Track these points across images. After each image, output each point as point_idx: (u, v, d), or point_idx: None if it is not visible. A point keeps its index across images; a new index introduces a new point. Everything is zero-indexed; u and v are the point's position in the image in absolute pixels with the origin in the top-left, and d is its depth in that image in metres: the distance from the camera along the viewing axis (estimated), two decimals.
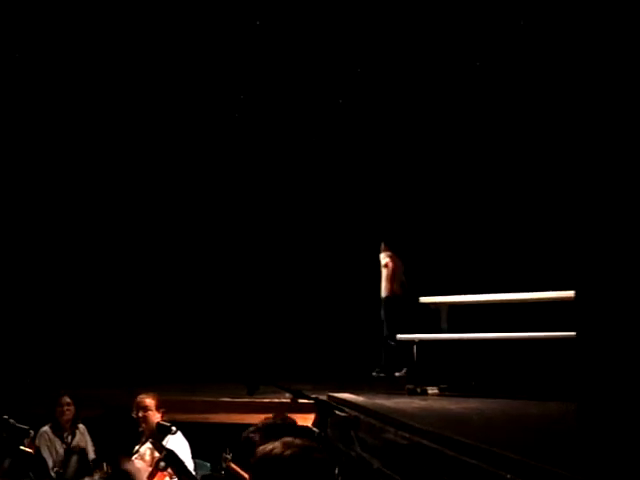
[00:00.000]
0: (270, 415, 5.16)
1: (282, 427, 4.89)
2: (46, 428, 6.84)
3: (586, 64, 4.84)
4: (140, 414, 6.20)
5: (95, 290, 12.49)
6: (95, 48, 12.05)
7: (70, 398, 6.98)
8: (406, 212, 12.13)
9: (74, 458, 6.59)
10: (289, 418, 5.13)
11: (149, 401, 6.29)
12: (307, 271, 12.63)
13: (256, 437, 4.84)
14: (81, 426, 6.98)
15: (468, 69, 11.72)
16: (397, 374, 10.08)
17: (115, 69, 12.27)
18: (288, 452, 2.70)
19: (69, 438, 6.85)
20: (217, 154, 12.91)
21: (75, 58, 12.09)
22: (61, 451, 6.76)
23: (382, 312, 10.55)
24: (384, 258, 10.63)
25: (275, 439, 3.56)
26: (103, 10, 11.82)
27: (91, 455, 6.88)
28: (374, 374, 10.40)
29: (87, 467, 6.17)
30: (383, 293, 10.61)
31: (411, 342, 9.02)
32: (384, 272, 10.57)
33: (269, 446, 2.79)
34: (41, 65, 12.04)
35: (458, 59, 11.74)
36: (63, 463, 6.51)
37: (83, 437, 6.93)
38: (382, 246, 10.78)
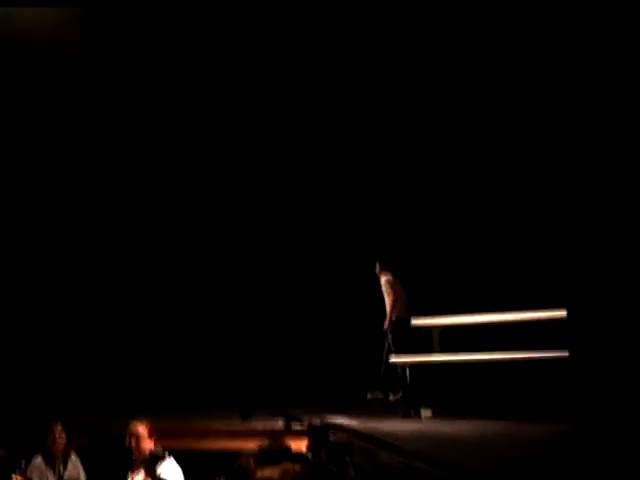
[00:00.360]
0: (264, 441, 5.14)
1: (277, 453, 4.87)
2: (38, 458, 6.77)
3: (581, 68, 4.86)
4: (132, 442, 6.16)
5: (86, 318, 12.42)
6: (95, 48, 12.00)
7: (62, 427, 6.92)
8: (398, 231, 12.10)
9: None
10: (284, 443, 5.11)
11: (142, 429, 6.25)
12: (297, 296, 12.60)
13: (252, 463, 4.83)
14: (73, 456, 6.92)
15: (462, 82, 11.74)
16: (391, 397, 9.95)
17: (115, 69, 12.23)
18: (288, 478, 2.69)
19: (61, 468, 6.79)
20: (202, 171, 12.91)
21: (75, 58, 12.05)
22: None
23: (389, 336, 10.17)
24: (385, 285, 10.15)
25: (271, 465, 3.55)
26: (102, 10, 11.80)
27: None
28: (369, 396, 10.19)
29: None
30: (390, 317, 10.06)
31: (404, 365, 9.03)
32: (387, 299, 10.08)
33: (267, 472, 2.78)
34: (41, 65, 12.02)
35: (451, 70, 11.77)
36: None
37: (75, 467, 6.88)
38: (377, 266, 10.34)
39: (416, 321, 9.56)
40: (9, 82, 11.64)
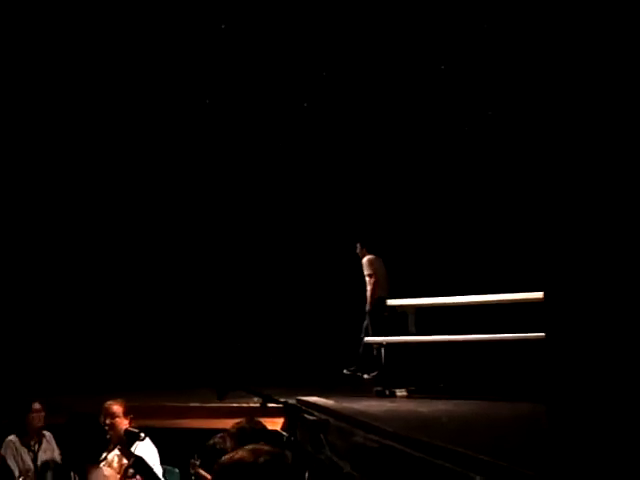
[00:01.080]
0: (240, 420, 5.14)
1: (252, 432, 4.88)
2: (12, 437, 6.72)
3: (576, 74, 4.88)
4: (107, 421, 6.13)
5: (60, 295, 12.36)
6: (95, 48, 11.93)
7: (40, 405, 6.87)
8: (378, 214, 12.12)
9: (49, 474, 6.48)
10: (259, 422, 5.11)
11: (117, 408, 6.22)
12: (273, 274, 12.61)
13: (227, 442, 4.83)
14: (47, 433, 6.88)
15: (443, 74, 11.78)
16: (366, 376, 9.96)
17: (114, 69, 12.17)
18: (261, 459, 2.66)
19: (36, 446, 6.75)
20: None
21: (75, 58, 11.97)
22: (28, 460, 6.65)
23: (367, 316, 10.15)
24: (366, 265, 10.10)
25: (246, 444, 3.54)
26: (102, 10, 11.73)
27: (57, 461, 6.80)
28: (345, 371, 10.20)
29: None
30: (371, 296, 10.04)
31: (379, 345, 9.05)
32: (368, 280, 10.04)
33: (237, 454, 2.75)
34: (41, 65, 11.91)
35: (432, 64, 11.80)
36: (38, 477, 6.38)
37: (50, 445, 6.84)
38: (358, 247, 10.32)
39: (392, 302, 9.58)
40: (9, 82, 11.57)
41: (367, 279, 10.03)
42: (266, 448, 2.76)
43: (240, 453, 2.74)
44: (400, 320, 9.59)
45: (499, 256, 10.84)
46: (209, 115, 12.78)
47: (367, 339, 9.39)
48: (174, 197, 12.95)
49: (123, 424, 6.12)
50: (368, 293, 9.98)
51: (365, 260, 10.13)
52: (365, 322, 10.02)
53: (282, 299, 12.50)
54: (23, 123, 12.13)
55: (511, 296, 8.37)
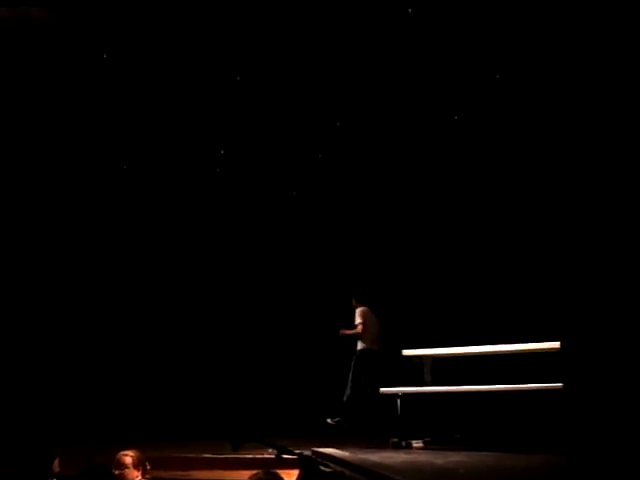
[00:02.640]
0: (257, 471, 5.09)
1: None
2: None
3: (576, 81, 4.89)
4: (117, 472, 6.10)
5: (75, 346, 12.35)
6: (95, 48, 12.03)
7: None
8: (383, 266, 12.14)
9: None
10: (277, 474, 5.06)
11: (127, 460, 6.18)
12: (286, 328, 12.59)
13: None
14: None
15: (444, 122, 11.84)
16: (329, 421, 10.22)
17: (114, 70, 12.24)
18: None
19: None
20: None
21: (76, 59, 12.06)
22: None
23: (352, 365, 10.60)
24: (357, 316, 10.67)
25: None
26: (103, 10, 11.84)
27: None
28: (329, 421, 10.41)
29: None
30: (357, 348, 10.66)
31: (394, 395, 8.98)
32: (357, 329, 10.65)
33: None
34: (41, 65, 12.02)
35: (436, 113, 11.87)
36: None
37: None
38: (353, 302, 10.87)
39: (407, 352, 9.54)
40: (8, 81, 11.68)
41: (357, 329, 10.64)
42: None
43: None
44: (416, 370, 9.54)
45: (516, 306, 10.78)
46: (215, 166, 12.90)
47: (382, 390, 9.32)
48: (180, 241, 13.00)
49: (133, 475, 6.07)
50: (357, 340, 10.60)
51: (357, 310, 10.74)
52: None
53: (295, 351, 12.46)
54: (23, 123, 12.16)
55: (527, 346, 8.31)
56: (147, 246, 12.98)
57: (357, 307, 10.77)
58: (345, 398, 10.52)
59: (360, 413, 10.27)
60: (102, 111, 12.22)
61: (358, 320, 10.64)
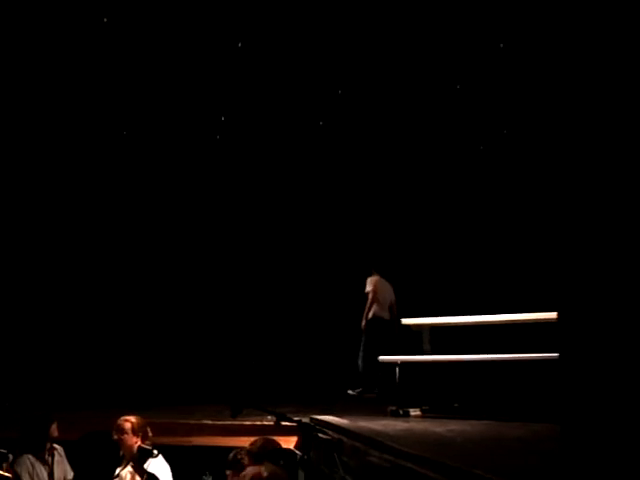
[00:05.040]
0: (256, 438, 5.16)
1: (271, 451, 4.90)
2: (28, 455, 6.70)
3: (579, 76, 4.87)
4: (116, 437, 6.18)
5: (77, 311, 12.39)
6: (95, 48, 12.01)
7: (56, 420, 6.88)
8: (390, 235, 12.14)
9: None
10: (275, 441, 5.13)
11: (127, 425, 6.26)
12: (291, 293, 12.62)
13: (245, 460, 4.86)
14: (58, 447, 6.88)
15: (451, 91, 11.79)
16: (350, 392, 10.20)
17: (114, 69, 12.24)
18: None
19: (49, 459, 6.76)
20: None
21: (75, 59, 12.05)
22: (44, 474, 6.64)
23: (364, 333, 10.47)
24: (368, 285, 10.56)
25: (263, 462, 3.58)
26: (103, 10, 11.82)
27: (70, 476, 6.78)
28: (350, 392, 10.39)
29: None
30: (366, 314, 10.54)
31: (393, 364, 9.02)
32: (368, 297, 10.52)
33: (240, 477, 2.87)
34: (41, 65, 12.00)
35: (440, 81, 11.82)
36: None
37: (61, 458, 6.84)
38: (372, 272, 10.71)
39: (406, 320, 9.57)
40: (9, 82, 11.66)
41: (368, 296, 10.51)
42: (265, 472, 2.82)
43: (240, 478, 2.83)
44: (415, 339, 9.58)
45: (514, 276, 10.81)
46: (220, 126, 12.83)
47: (381, 358, 9.36)
48: (185, 212, 12.99)
49: (133, 441, 6.14)
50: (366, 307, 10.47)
51: (368, 279, 10.60)
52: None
53: (298, 317, 12.51)
54: (23, 123, 12.16)
55: (525, 316, 8.32)
56: (158, 215, 12.96)
57: (370, 277, 10.66)
58: (360, 369, 10.46)
59: (377, 381, 10.15)
60: (100, 75, 12.18)
61: (367, 288, 10.53)
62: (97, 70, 12.08)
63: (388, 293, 10.63)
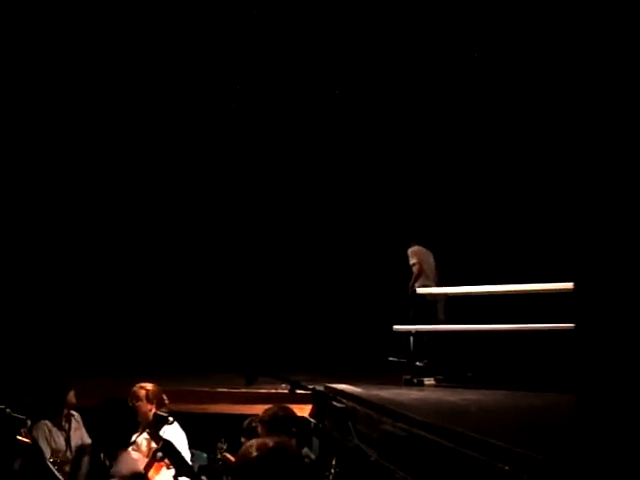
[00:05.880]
0: (270, 406, 5.18)
1: (283, 419, 4.91)
2: (45, 421, 6.77)
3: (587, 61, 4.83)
4: (131, 404, 6.22)
5: (95, 279, 12.47)
6: (95, 48, 12.04)
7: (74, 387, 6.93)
8: (406, 205, 12.10)
9: (86, 459, 6.52)
10: (289, 409, 5.14)
11: (142, 392, 6.29)
12: (306, 262, 12.63)
13: (258, 428, 4.88)
14: (75, 413, 6.92)
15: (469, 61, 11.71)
16: (419, 363, 9.80)
17: (114, 69, 12.27)
18: (255, 454, 2.79)
19: (66, 426, 6.82)
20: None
21: (75, 58, 12.08)
22: (61, 440, 6.70)
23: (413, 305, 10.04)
24: (410, 255, 10.14)
25: (276, 430, 3.59)
26: (102, 10, 11.83)
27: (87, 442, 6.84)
28: (418, 364, 10.08)
29: (101, 469, 6.07)
30: (411, 285, 10.04)
31: (408, 333, 9.03)
32: (414, 271, 10.11)
33: (246, 445, 2.89)
34: (41, 65, 12.03)
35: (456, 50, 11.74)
36: (73, 464, 6.40)
37: (79, 424, 6.90)
38: (411, 243, 10.33)
39: (421, 290, 9.56)
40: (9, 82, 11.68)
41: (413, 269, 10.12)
42: (270, 443, 2.84)
43: (247, 447, 2.84)
44: (430, 309, 9.58)
45: (531, 246, 10.77)
46: (231, 104, 12.83)
47: (395, 327, 9.34)
48: (202, 183, 13.01)
49: (146, 408, 6.18)
50: (412, 279, 10.05)
51: (409, 251, 10.17)
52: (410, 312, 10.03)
53: (311, 287, 12.52)
54: (23, 123, 12.21)
55: (541, 286, 8.29)
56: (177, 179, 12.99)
57: (410, 247, 10.24)
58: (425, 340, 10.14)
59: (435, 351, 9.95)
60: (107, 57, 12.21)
61: (412, 260, 10.12)
62: (97, 70, 12.13)
63: (431, 262, 10.23)
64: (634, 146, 4.50)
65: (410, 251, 10.16)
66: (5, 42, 11.57)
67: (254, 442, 2.87)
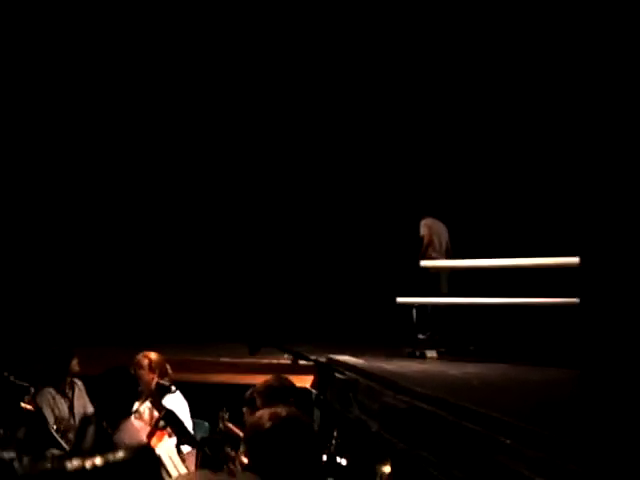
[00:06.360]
0: (268, 377, 5.17)
1: (281, 390, 4.91)
2: (49, 388, 6.78)
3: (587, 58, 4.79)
4: (132, 372, 6.23)
5: (100, 249, 12.48)
6: (95, 48, 12.00)
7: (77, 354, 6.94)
8: (417, 179, 12.06)
9: (91, 429, 6.54)
10: (288, 380, 5.14)
11: (144, 361, 6.30)
12: (310, 232, 12.61)
13: (257, 400, 4.87)
14: (78, 381, 6.94)
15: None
16: (421, 336, 9.72)
17: (114, 69, 12.23)
18: (268, 424, 2.79)
19: (70, 393, 6.84)
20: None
21: (75, 58, 12.03)
22: (64, 407, 6.72)
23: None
24: (422, 228, 10.07)
25: (274, 402, 3.58)
26: (103, 10, 11.78)
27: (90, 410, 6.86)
28: (420, 336, 9.99)
29: (105, 439, 6.09)
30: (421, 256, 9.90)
31: (410, 305, 9.03)
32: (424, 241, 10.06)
33: (257, 416, 2.88)
34: (41, 65, 11.98)
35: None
36: (78, 433, 6.42)
37: (82, 392, 6.91)
38: (424, 216, 10.25)
39: (424, 263, 9.53)
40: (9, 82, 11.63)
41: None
42: (282, 413, 2.83)
43: (258, 417, 2.84)
44: (433, 281, 9.56)
45: (536, 220, 10.72)
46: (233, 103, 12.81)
47: (398, 300, 9.31)
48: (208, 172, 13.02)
49: (149, 377, 6.19)
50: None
51: (421, 223, 10.09)
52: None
53: (318, 260, 12.51)
54: (23, 123, 12.18)
55: (546, 260, 8.23)
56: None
57: (423, 219, 10.16)
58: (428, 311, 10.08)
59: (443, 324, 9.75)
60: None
61: (422, 232, 10.03)
62: (97, 70, 12.09)
63: (443, 235, 10.13)
64: (634, 130, 4.46)
65: (422, 223, 10.07)
66: (5, 42, 11.53)
67: (265, 412, 2.88)
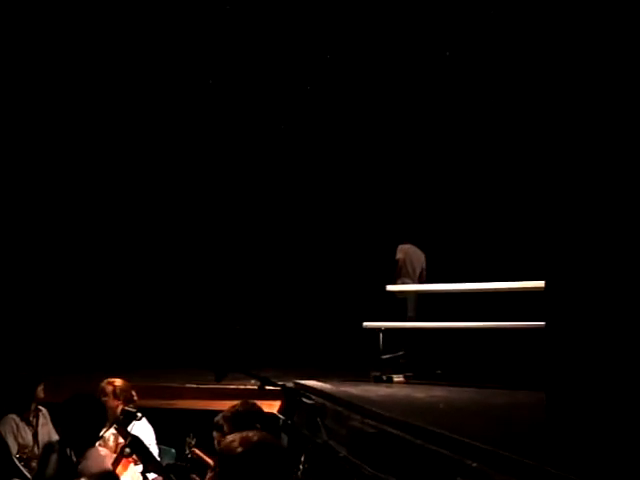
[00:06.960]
0: (236, 403, 5.15)
1: (248, 415, 4.88)
2: (13, 415, 6.68)
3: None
4: (102, 400, 6.17)
5: (67, 277, 12.38)
6: (95, 47, 11.97)
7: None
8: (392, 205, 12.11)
9: (54, 457, 6.45)
10: (255, 405, 5.12)
11: (109, 388, 6.25)
12: (277, 258, 12.60)
13: (224, 426, 4.85)
14: (43, 409, 6.85)
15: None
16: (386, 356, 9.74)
17: (114, 69, 12.21)
18: (240, 449, 2.78)
19: (34, 421, 6.74)
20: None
21: (75, 58, 12.00)
22: (28, 435, 6.63)
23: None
24: (398, 252, 10.16)
25: (241, 427, 3.56)
26: (103, 10, 11.78)
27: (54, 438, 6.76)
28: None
29: (69, 466, 6.00)
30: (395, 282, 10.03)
31: (377, 330, 9.03)
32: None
33: (228, 440, 2.87)
34: (41, 65, 11.93)
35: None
36: (41, 461, 6.32)
37: (46, 420, 6.83)
38: (403, 240, 10.34)
39: (391, 287, 9.56)
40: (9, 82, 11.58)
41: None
42: (254, 437, 2.82)
43: (230, 440, 2.82)
44: (400, 306, 9.59)
45: (502, 245, 10.81)
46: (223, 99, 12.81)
47: (365, 324, 9.31)
48: (175, 184, 12.95)
49: (114, 403, 6.14)
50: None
51: (398, 248, 10.16)
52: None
53: (283, 284, 12.50)
54: (23, 123, 12.12)
55: (511, 284, 8.31)
56: (144, 179, 12.92)
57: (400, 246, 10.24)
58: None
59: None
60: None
61: (397, 255, 10.12)
62: (97, 70, 12.08)
63: (418, 261, 10.18)
64: (606, 146, 4.53)
65: (399, 248, 10.16)
66: (5, 42, 11.47)
67: (236, 437, 2.86)
